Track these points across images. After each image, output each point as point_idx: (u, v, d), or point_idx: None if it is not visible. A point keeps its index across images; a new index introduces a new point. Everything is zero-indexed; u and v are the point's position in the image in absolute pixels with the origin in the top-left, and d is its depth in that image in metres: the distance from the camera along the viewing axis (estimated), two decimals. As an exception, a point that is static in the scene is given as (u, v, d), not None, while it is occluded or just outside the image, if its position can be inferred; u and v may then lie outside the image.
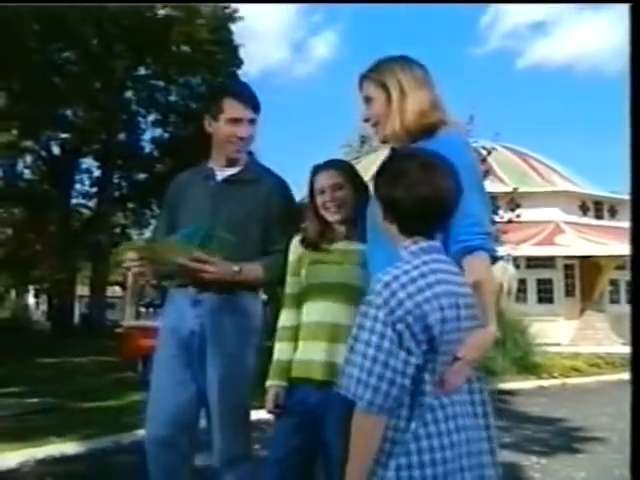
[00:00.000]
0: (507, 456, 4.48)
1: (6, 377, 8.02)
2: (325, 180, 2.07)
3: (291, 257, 2.13)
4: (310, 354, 1.96)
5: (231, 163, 2.25)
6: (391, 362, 1.26)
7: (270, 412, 2.00)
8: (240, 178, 2.24)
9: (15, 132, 13.40)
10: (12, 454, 4.16)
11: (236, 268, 2.08)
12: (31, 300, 24.17)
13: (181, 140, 14.07)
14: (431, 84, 1.82)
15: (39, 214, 13.95)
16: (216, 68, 14.27)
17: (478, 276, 1.54)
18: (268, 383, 2.03)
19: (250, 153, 2.31)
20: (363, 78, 1.87)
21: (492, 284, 1.61)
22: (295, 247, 2.13)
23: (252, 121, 2.21)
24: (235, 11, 14.43)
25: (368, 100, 1.83)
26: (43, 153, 14.18)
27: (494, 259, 1.66)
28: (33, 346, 13.53)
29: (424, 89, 1.78)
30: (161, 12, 13.78)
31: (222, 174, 2.25)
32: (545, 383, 8.58)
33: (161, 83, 15.11)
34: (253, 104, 2.23)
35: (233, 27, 14.36)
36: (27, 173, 14.87)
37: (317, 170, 2.10)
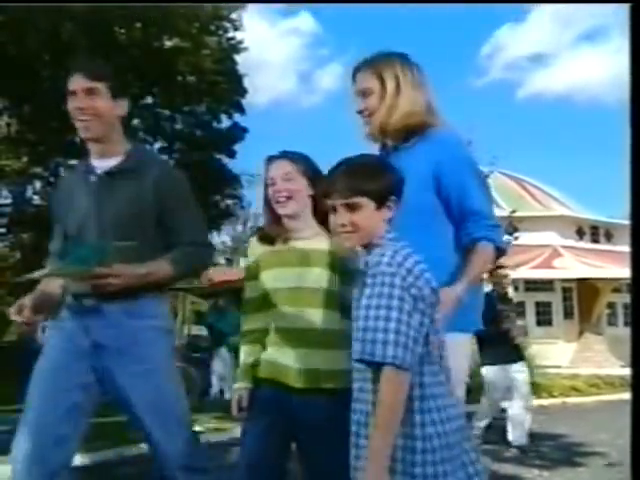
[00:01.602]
0: (509, 469, 4.63)
1: (12, 394, 8.11)
2: (275, 170, 1.94)
3: (249, 260, 2.03)
4: (284, 359, 1.86)
5: (105, 152, 2.02)
6: (412, 322, 1.37)
7: (237, 416, 1.91)
8: (122, 169, 2.00)
9: (25, 159, 13.69)
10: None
11: (143, 271, 1.90)
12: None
13: (186, 167, 14.37)
14: (426, 87, 1.83)
15: (47, 239, 14.23)
16: (221, 97, 14.66)
17: (477, 255, 1.64)
18: (234, 386, 1.96)
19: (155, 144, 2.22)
20: (359, 69, 1.84)
21: (486, 262, 1.68)
22: (252, 249, 2.02)
23: (90, 90, 1.98)
24: (240, 42, 14.87)
25: (365, 92, 1.80)
26: (52, 179, 14.46)
27: (499, 249, 1.70)
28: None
29: (419, 90, 1.79)
30: (168, 43, 14.21)
31: (102, 166, 2.01)
32: (545, 402, 8.66)
33: (167, 112, 15.44)
34: (89, 72, 1.99)
35: (238, 58, 14.80)
36: (36, 199, 15.11)
37: (269, 160, 1.98)
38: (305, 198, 1.93)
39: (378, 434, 1.35)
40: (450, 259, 1.72)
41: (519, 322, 5.62)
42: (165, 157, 13.99)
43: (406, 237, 1.56)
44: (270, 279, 1.93)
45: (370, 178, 1.50)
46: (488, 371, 5.37)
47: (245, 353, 1.97)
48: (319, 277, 1.87)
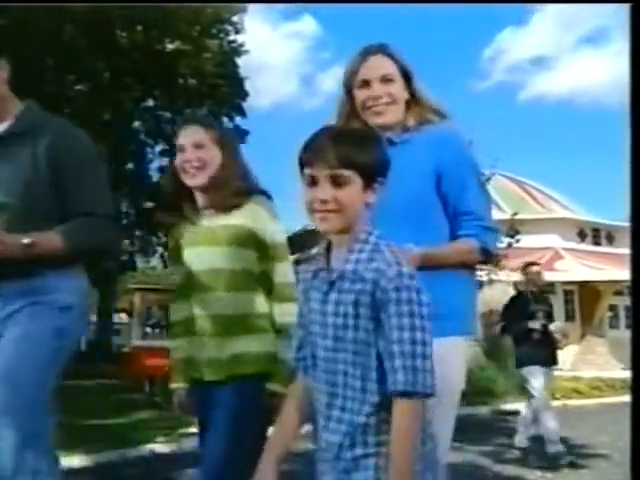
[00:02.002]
0: (512, 470, 4.65)
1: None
2: (185, 137, 1.77)
3: (169, 242, 1.90)
4: (198, 351, 1.76)
5: None
6: (429, 339, 1.24)
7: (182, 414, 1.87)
8: (12, 132, 1.82)
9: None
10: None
11: (26, 241, 1.68)
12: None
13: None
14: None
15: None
16: (222, 100, 14.70)
17: (457, 243, 1.59)
18: (171, 386, 1.86)
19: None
20: (371, 53, 1.71)
21: (462, 253, 1.60)
22: (173, 229, 1.87)
23: None
24: (241, 45, 14.92)
25: (385, 78, 1.68)
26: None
27: (487, 252, 1.62)
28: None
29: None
30: (169, 46, 14.26)
31: None
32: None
33: (168, 114, 15.49)
34: None
35: (239, 60, 14.85)
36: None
37: (181, 126, 1.83)
38: (218, 168, 1.76)
39: (405, 456, 1.21)
40: None
41: (558, 323, 5.36)
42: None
43: (404, 229, 1.51)
44: (186, 261, 1.80)
45: (362, 150, 1.28)
46: (526, 372, 5.07)
47: (174, 348, 1.84)
48: (231, 256, 1.73)
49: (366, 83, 1.68)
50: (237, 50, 15.03)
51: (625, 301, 17.29)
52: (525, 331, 5.00)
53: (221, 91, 14.57)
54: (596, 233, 20.09)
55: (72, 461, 4.34)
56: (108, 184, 1.92)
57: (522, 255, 14.58)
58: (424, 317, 1.22)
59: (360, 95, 1.70)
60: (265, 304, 1.78)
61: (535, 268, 5.35)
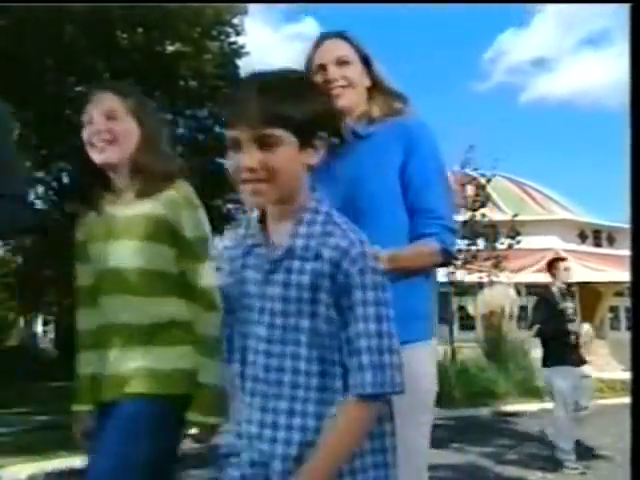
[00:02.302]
0: (513, 471, 4.65)
1: (15, 397, 8.13)
2: (95, 105, 1.50)
3: (78, 235, 1.58)
4: (100, 367, 1.50)
5: None
6: (394, 330, 1.07)
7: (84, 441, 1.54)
8: None
9: (28, 163, 13.76)
10: (23, 467, 4.34)
11: None
12: (39, 328, 24.19)
13: (188, 171, 14.37)
14: None
15: (49, 243, 14.28)
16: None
17: (418, 244, 1.50)
18: (72, 408, 1.58)
19: None
20: (328, 38, 1.67)
21: (423, 255, 1.51)
22: (82, 220, 1.57)
23: None
24: (242, 47, 14.93)
25: (341, 61, 1.62)
26: (54, 184, 14.52)
27: (447, 253, 1.54)
28: (40, 370, 13.61)
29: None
30: (170, 47, 14.27)
31: None
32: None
33: (169, 116, 15.51)
34: None
35: (240, 62, 14.85)
36: (38, 203, 15.16)
37: (92, 93, 1.58)
38: (134, 145, 1.49)
39: (328, 461, 1.02)
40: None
41: (586, 325, 5.23)
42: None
43: (368, 226, 1.45)
44: (92, 258, 1.52)
45: (294, 101, 1.04)
46: (551, 373, 4.90)
47: (80, 363, 1.56)
48: (143, 253, 1.44)
49: (322, 67, 1.62)
50: (238, 52, 15.03)
51: (626, 302, 17.28)
52: (563, 332, 4.84)
53: (222, 93, 14.58)
54: (597, 234, 20.10)
55: (74, 462, 4.32)
56: (19, 161, 1.64)
57: (522, 256, 14.59)
58: (389, 305, 1.05)
59: (317, 80, 1.60)
60: (184, 312, 1.50)
61: (563, 264, 5.14)
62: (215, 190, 14.56)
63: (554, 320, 4.89)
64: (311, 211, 1.09)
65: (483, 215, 10.13)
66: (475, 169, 10.45)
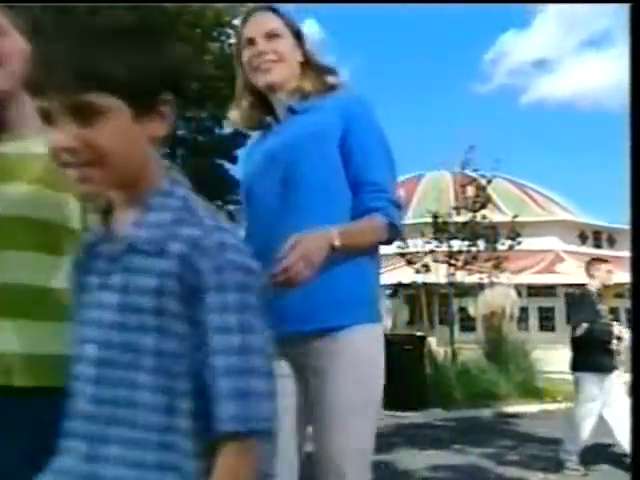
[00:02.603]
0: (514, 472, 4.65)
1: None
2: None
3: None
4: None
5: None
6: (264, 345, 0.82)
7: None
8: None
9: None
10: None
11: None
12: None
13: (188, 172, 14.42)
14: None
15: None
16: (223, 103, 14.78)
17: (366, 220, 1.42)
18: None
19: None
20: (257, 11, 1.60)
21: (374, 231, 1.43)
22: None
23: None
24: (242, 48, 15.02)
25: (271, 34, 1.55)
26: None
27: (395, 228, 1.47)
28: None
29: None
30: (170, 49, 14.36)
31: None
32: (549, 407, 8.66)
33: (169, 117, 15.57)
34: None
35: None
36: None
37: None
38: (21, 67, 1.17)
39: None
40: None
41: (617, 326, 4.91)
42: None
43: (308, 199, 1.39)
44: None
45: (120, 54, 0.77)
46: (584, 378, 4.67)
47: None
48: (27, 199, 1.14)
49: (251, 41, 1.55)
50: (238, 53, 15.08)
51: (626, 304, 17.28)
52: (607, 335, 4.65)
53: (222, 94, 14.60)
54: (597, 236, 20.13)
55: None
56: None
57: (523, 257, 14.61)
58: (256, 312, 0.80)
59: (246, 55, 1.56)
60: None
61: (606, 266, 4.93)
62: (215, 191, 14.62)
63: (596, 322, 4.68)
64: (162, 194, 0.85)
65: (483, 216, 10.14)
66: (475, 170, 10.46)
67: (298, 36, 1.59)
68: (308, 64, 1.60)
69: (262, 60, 1.54)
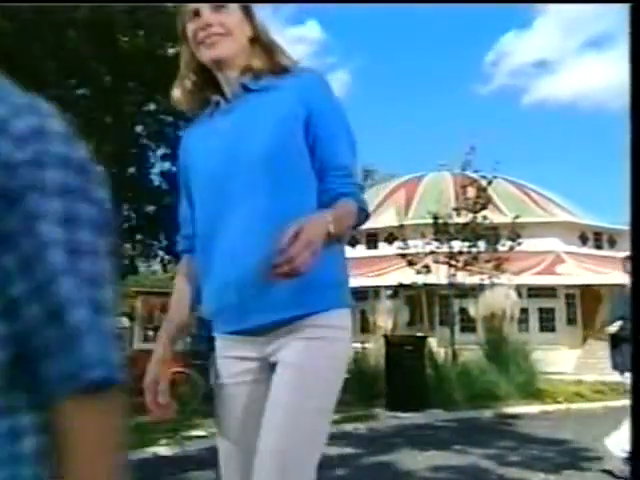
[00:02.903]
0: (515, 473, 4.66)
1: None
2: None
3: None
4: None
5: None
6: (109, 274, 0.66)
7: None
8: None
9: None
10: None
11: None
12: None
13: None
14: None
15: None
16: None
17: (341, 206, 1.35)
18: None
19: None
20: None
21: (350, 216, 1.38)
22: None
23: None
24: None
25: (218, 6, 1.45)
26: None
27: (364, 212, 1.44)
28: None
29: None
30: (171, 50, 14.33)
31: None
32: (549, 408, 8.66)
33: (170, 118, 15.50)
34: None
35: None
36: None
37: None
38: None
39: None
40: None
41: None
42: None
43: (268, 181, 1.35)
44: None
45: None
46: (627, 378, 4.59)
47: None
48: None
49: (196, 13, 1.44)
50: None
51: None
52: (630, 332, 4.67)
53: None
54: (598, 237, 20.11)
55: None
56: None
57: (523, 258, 14.60)
58: (103, 228, 0.62)
59: (190, 28, 1.45)
60: None
61: None
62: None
63: (622, 319, 4.66)
64: None
65: (484, 217, 10.15)
66: (476, 171, 10.48)
67: (247, 10, 1.49)
68: (258, 40, 1.50)
69: (207, 33, 1.43)
